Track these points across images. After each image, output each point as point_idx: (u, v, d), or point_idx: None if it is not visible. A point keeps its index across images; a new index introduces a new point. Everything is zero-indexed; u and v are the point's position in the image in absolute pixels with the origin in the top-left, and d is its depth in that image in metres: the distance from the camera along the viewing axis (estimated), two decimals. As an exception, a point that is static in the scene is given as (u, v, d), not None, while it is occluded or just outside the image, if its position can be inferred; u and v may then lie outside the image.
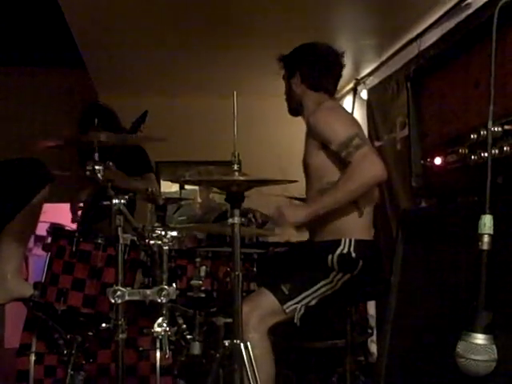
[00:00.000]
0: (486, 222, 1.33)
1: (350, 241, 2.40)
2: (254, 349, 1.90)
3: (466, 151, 1.54)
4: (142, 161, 3.88)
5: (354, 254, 2.39)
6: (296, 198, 3.31)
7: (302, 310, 2.34)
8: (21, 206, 2.23)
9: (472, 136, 1.49)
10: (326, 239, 2.46)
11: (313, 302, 2.37)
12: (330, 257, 2.38)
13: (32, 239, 5.23)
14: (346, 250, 2.39)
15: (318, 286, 2.38)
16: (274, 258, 2.81)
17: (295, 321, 2.34)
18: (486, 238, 1.34)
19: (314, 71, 2.58)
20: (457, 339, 1.35)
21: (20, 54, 5.26)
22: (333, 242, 2.42)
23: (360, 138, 2.35)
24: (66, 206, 4.47)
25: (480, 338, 1.32)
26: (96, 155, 1.94)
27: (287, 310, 2.33)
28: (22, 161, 2.30)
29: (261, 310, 2.30)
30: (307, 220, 2.38)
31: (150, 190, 2.36)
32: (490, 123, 1.37)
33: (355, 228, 2.46)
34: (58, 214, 4.35)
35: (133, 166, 3.66)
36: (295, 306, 2.34)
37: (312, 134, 2.48)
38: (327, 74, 2.60)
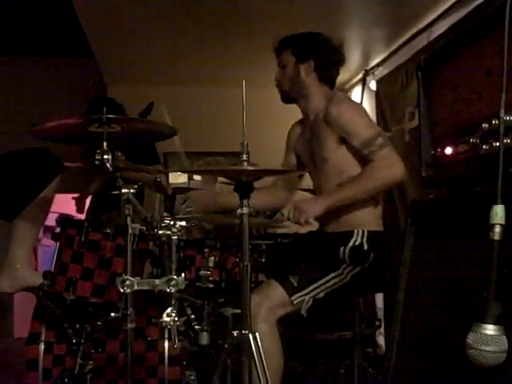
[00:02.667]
0: (498, 212, 1.33)
1: (363, 232, 2.40)
2: (263, 340, 1.90)
3: (478, 141, 1.53)
4: (150, 152, 3.89)
5: (366, 246, 2.39)
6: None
7: (310, 302, 2.34)
8: (32, 196, 2.23)
9: (484, 125, 1.48)
10: (339, 230, 2.45)
11: (321, 295, 2.36)
12: (341, 249, 2.38)
13: (41, 229, 5.25)
14: (358, 242, 2.39)
15: (327, 278, 2.37)
16: (283, 248, 2.80)
17: (302, 312, 2.33)
18: (497, 228, 1.33)
19: (326, 61, 2.57)
20: (467, 330, 1.35)
21: (27, 44, 5.25)
22: (345, 233, 2.42)
23: (383, 137, 2.37)
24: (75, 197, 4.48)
25: (490, 329, 1.31)
26: (105, 144, 1.94)
27: (295, 302, 2.32)
28: (33, 151, 2.30)
29: (270, 301, 2.30)
30: (324, 210, 2.37)
31: (158, 179, 2.36)
32: (502, 112, 1.36)
33: (369, 219, 2.47)
34: (67, 204, 4.36)
35: (141, 157, 3.67)
36: (303, 297, 2.33)
37: (331, 125, 2.45)
38: (335, 66, 2.61)
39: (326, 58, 2.57)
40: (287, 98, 2.66)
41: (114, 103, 3.98)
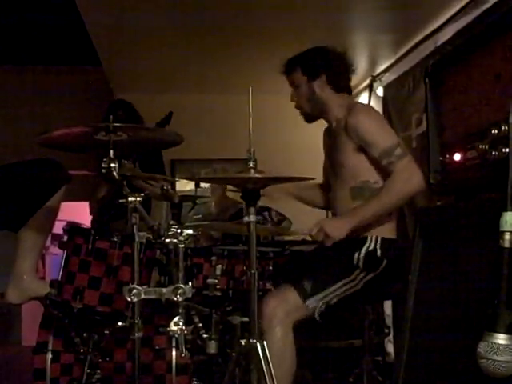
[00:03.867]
0: (508, 220, 1.30)
1: (377, 238, 2.42)
2: (277, 344, 1.91)
3: (487, 147, 1.51)
4: (157, 162, 3.93)
5: (379, 252, 2.41)
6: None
7: (323, 308, 2.34)
8: (37, 206, 2.23)
9: (493, 131, 1.46)
10: (353, 236, 2.45)
11: (334, 300, 2.37)
12: (356, 254, 2.39)
13: (49, 238, 5.26)
14: (372, 248, 2.40)
15: (340, 283, 2.37)
16: (297, 255, 2.80)
17: (315, 316, 2.34)
18: (507, 236, 1.31)
19: (338, 73, 2.59)
20: (477, 339, 1.33)
21: (35, 53, 5.28)
22: (359, 239, 2.43)
23: (402, 147, 2.39)
24: (82, 205, 4.49)
25: (502, 338, 1.29)
26: (111, 152, 1.94)
27: (310, 306, 2.33)
28: (38, 161, 2.30)
29: (286, 304, 2.31)
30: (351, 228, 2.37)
31: (165, 187, 2.35)
32: (511, 117, 1.34)
33: (382, 226, 2.48)
34: (75, 212, 4.37)
35: (147, 166, 3.70)
36: (317, 302, 2.33)
37: (350, 135, 2.46)
38: (347, 74, 2.64)
39: (336, 69, 2.59)
40: (310, 118, 2.68)
41: (131, 108, 4.01)
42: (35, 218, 2.23)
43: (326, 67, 2.57)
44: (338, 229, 2.35)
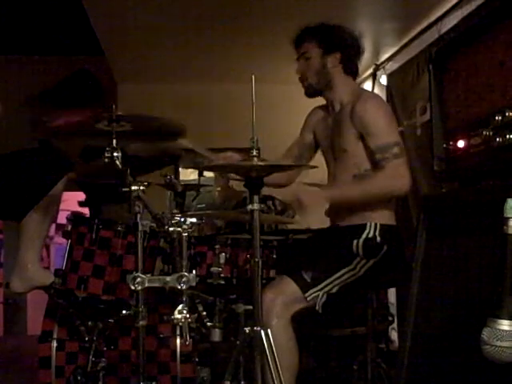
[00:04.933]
0: (512, 206, 1.30)
1: (376, 225, 2.40)
2: (277, 336, 1.89)
3: (491, 133, 1.51)
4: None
5: (378, 239, 2.39)
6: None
7: (324, 298, 2.33)
8: (40, 195, 2.23)
9: (497, 117, 1.46)
10: (351, 224, 2.44)
11: (334, 290, 2.35)
12: (355, 242, 2.37)
13: (53, 227, 5.28)
14: (371, 234, 2.39)
15: (341, 273, 2.36)
16: (296, 245, 2.79)
17: (317, 308, 2.32)
18: (511, 222, 1.31)
19: (353, 55, 2.57)
20: (481, 326, 1.33)
21: (38, 43, 5.28)
22: (358, 226, 2.42)
23: (400, 148, 2.35)
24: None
25: (506, 324, 1.29)
26: (114, 142, 1.93)
27: (309, 298, 2.31)
28: (41, 150, 2.30)
29: (284, 296, 2.29)
30: (327, 203, 2.36)
31: (168, 177, 2.35)
32: (515, 104, 1.33)
33: (381, 213, 2.45)
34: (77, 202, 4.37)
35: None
36: (317, 293, 2.32)
37: (354, 121, 2.44)
38: (359, 60, 2.61)
39: (351, 51, 2.57)
40: (313, 92, 2.61)
41: (91, 76, 4.04)
42: (38, 207, 2.23)
43: (342, 46, 2.54)
44: (315, 200, 2.32)
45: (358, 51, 2.60)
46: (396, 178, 2.32)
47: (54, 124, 1.99)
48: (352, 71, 2.60)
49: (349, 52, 2.56)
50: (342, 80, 2.56)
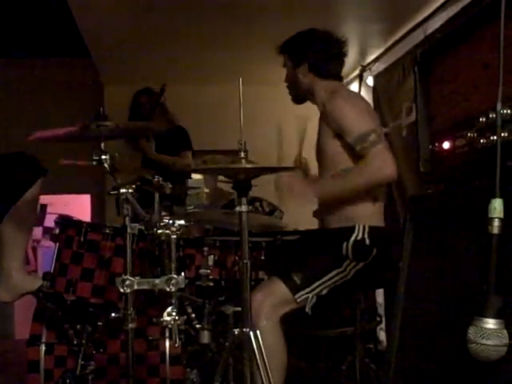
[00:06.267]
0: (496, 206, 1.32)
1: (364, 227, 2.39)
2: (266, 337, 1.90)
3: (475, 135, 1.53)
4: (181, 139, 4.34)
5: (368, 241, 2.38)
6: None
7: (314, 300, 2.34)
8: (11, 202, 2.20)
9: (481, 119, 1.48)
10: (340, 226, 2.45)
11: (324, 292, 2.36)
12: (344, 244, 2.37)
13: (41, 231, 5.26)
14: (360, 237, 2.38)
15: (330, 275, 2.37)
16: (284, 246, 2.79)
17: (306, 310, 2.33)
18: (496, 222, 1.33)
19: (320, 59, 2.56)
20: (468, 324, 1.35)
21: (24, 45, 5.25)
22: (347, 228, 2.41)
23: (377, 134, 2.33)
24: (74, 197, 4.48)
25: (491, 323, 1.31)
26: (102, 145, 1.93)
27: (298, 300, 2.32)
28: (11, 156, 2.27)
29: (273, 298, 2.30)
30: (314, 197, 2.37)
31: (156, 178, 2.35)
32: (499, 105, 1.35)
33: (368, 215, 2.45)
34: (67, 205, 4.36)
35: (172, 144, 4.21)
36: (307, 295, 2.33)
37: (327, 121, 2.45)
38: (333, 61, 2.59)
39: (321, 55, 2.56)
40: (296, 100, 2.69)
41: (154, 95, 4.16)
42: (12, 213, 2.21)
43: (310, 54, 2.55)
44: (305, 191, 2.35)
45: (331, 54, 2.58)
46: (379, 165, 2.29)
47: (30, 138, 1.96)
48: (329, 74, 2.58)
49: (316, 58, 2.55)
50: (319, 85, 2.57)
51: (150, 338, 2.55)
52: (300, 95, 2.65)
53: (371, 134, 2.31)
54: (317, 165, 2.70)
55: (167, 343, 2.51)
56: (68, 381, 2.39)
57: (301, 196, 2.36)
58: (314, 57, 2.56)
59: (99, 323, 2.44)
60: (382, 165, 2.29)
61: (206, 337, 2.44)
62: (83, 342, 2.43)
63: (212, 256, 2.50)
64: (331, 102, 2.44)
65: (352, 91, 2.84)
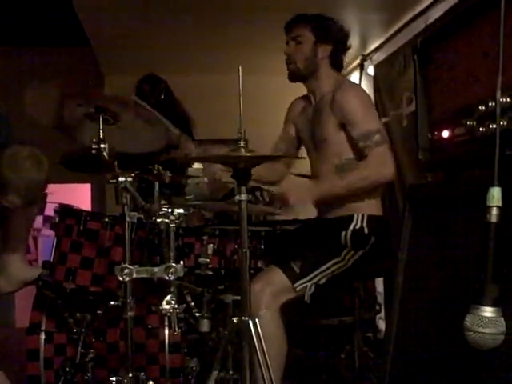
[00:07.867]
0: (495, 195, 1.32)
1: (363, 216, 2.41)
2: (266, 326, 1.90)
3: (474, 123, 1.52)
4: (184, 128, 4.07)
5: (366, 230, 2.40)
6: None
7: (313, 289, 2.35)
8: None
9: (480, 107, 1.47)
10: (339, 215, 2.46)
11: (323, 281, 2.37)
12: (343, 233, 2.39)
13: (41, 220, 5.27)
14: (358, 226, 2.40)
15: (329, 264, 2.38)
16: (283, 235, 2.80)
17: (305, 299, 2.34)
18: (494, 211, 1.32)
19: (341, 50, 2.60)
20: (465, 313, 1.35)
21: (24, 34, 5.23)
22: (345, 217, 2.43)
23: (382, 134, 2.37)
24: (75, 187, 4.49)
25: (488, 311, 1.31)
26: (101, 133, 1.93)
27: (298, 289, 2.33)
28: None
29: (272, 287, 2.31)
30: (312, 201, 2.38)
31: (156, 167, 2.35)
32: (498, 94, 1.35)
33: (368, 203, 2.47)
34: (67, 194, 4.36)
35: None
36: (306, 284, 2.34)
37: (334, 110, 2.45)
38: (344, 55, 2.64)
39: (340, 46, 2.59)
40: (296, 76, 2.61)
41: (159, 80, 4.05)
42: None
43: (335, 39, 2.57)
44: (300, 198, 2.34)
45: (345, 47, 2.62)
46: (379, 165, 2.33)
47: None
48: (338, 65, 2.62)
49: (338, 47, 2.58)
50: (327, 72, 2.58)
51: (150, 326, 2.55)
52: (301, 72, 2.58)
53: (376, 134, 2.35)
54: (305, 151, 2.70)
55: (166, 331, 2.51)
56: (68, 369, 2.41)
57: (300, 204, 2.36)
58: (339, 43, 2.58)
59: (99, 311, 2.45)
60: (381, 167, 2.34)
61: (205, 325, 2.45)
62: (83, 330, 2.44)
63: (211, 245, 2.51)
64: (342, 93, 2.45)
65: (359, 86, 2.84)
